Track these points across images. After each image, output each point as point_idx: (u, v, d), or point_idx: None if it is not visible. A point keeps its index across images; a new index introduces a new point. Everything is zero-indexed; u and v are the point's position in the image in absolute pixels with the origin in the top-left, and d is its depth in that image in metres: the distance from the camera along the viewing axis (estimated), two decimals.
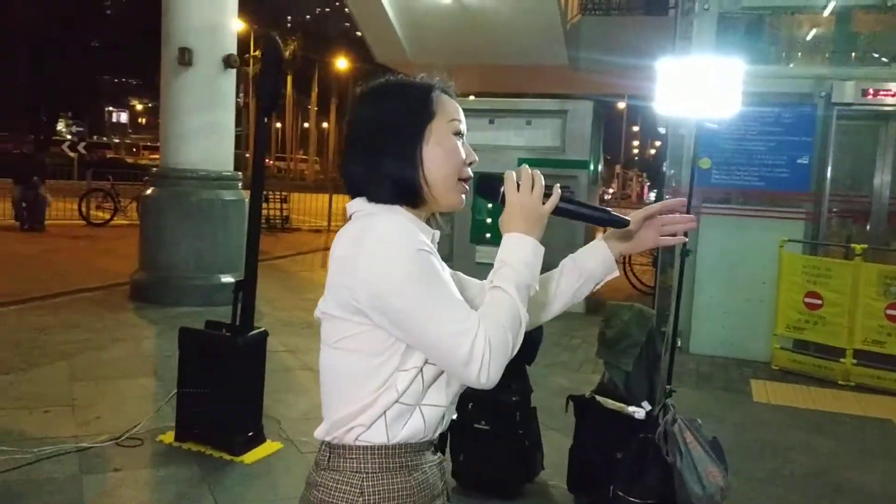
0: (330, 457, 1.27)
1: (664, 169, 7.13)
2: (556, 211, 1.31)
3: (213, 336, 4.01)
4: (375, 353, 1.21)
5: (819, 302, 6.24)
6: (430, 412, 1.25)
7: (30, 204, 13.23)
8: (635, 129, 63.74)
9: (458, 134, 1.33)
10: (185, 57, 7.35)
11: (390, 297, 1.16)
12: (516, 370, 3.79)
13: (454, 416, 1.40)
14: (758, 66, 6.98)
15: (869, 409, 5.55)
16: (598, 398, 3.52)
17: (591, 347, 4.87)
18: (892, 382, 5.97)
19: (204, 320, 4.19)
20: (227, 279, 7.49)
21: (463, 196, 1.33)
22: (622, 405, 3.42)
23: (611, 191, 35.87)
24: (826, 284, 6.21)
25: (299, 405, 4.79)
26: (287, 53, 43.41)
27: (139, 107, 68.57)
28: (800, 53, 7.11)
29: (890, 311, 5.96)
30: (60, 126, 42.57)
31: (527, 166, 1.31)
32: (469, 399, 3.68)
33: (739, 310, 6.77)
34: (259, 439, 4.05)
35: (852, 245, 6.17)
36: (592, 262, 1.46)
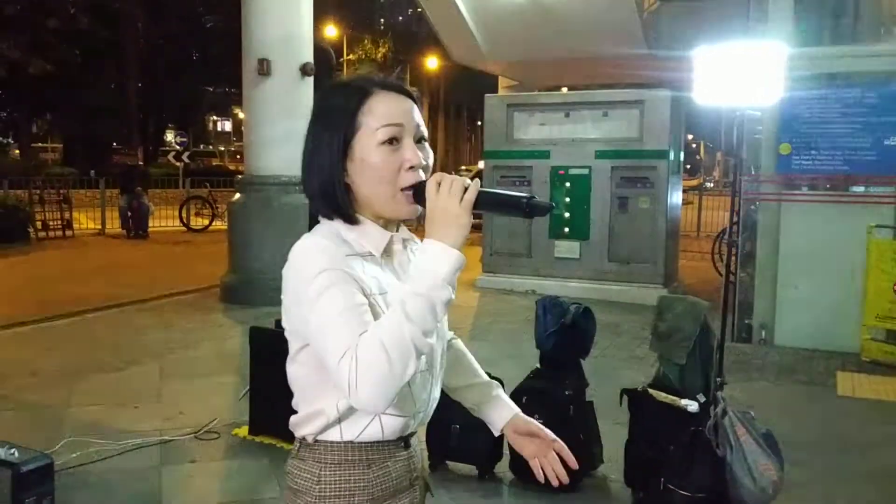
0: (299, 448, 1.36)
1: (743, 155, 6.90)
2: (480, 206, 1.22)
3: (281, 334, 4.19)
4: (316, 368, 1.25)
5: None
6: (390, 421, 1.29)
7: (134, 213, 14.08)
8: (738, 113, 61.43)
9: (392, 140, 1.28)
10: (264, 67, 7.67)
11: (299, 308, 1.24)
12: (570, 364, 3.82)
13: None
14: (839, 45, 6.72)
15: None
16: (651, 391, 3.50)
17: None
18: None
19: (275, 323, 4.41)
20: None
21: (411, 206, 1.30)
22: (675, 398, 3.39)
23: (710, 184, 34.46)
24: None
25: None
26: (379, 55, 44.12)
27: (241, 115, 71.39)
28: (885, 30, 6.75)
29: None
30: (169, 137, 44.80)
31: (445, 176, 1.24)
32: (523, 393, 3.73)
33: (826, 299, 6.50)
34: None
35: None
36: (493, 412, 1.55)
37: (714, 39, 3.47)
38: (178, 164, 24.50)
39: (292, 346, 1.32)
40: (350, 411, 1.28)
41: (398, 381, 1.13)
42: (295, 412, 1.35)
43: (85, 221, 14.81)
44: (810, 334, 6.54)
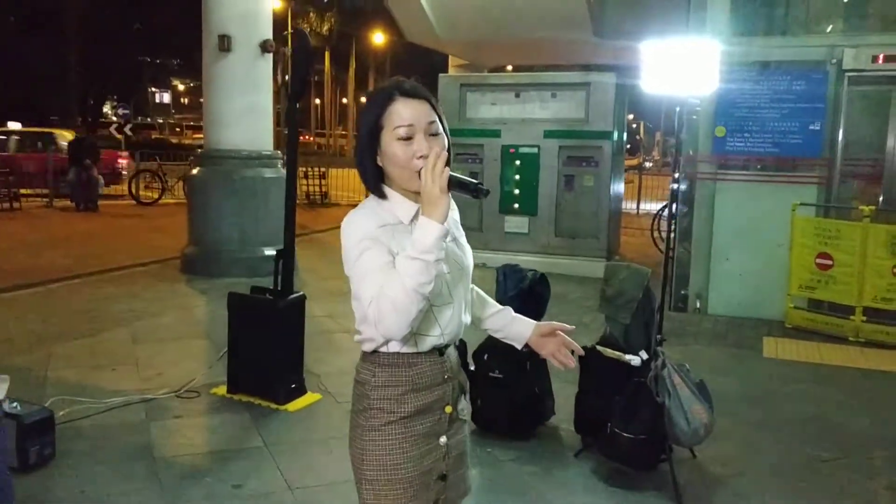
0: (362, 354, 1.82)
1: (682, 136, 7.37)
2: (451, 186, 1.61)
3: (258, 300, 4.51)
4: None
5: (830, 262, 6.52)
6: (424, 340, 1.74)
7: (83, 185, 13.98)
8: None
9: (404, 138, 1.67)
10: (225, 43, 7.82)
11: (347, 263, 1.68)
12: None
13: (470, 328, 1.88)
14: (771, 37, 7.24)
15: (875, 362, 5.83)
16: (599, 348, 3.92)
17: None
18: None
19: (248, 290, 4.70)
20: (270, 252, 8.02)
21: None
22: (620, 354, 3.81)
23: (649, 164, 35.42)
24: (836, 245, 6.48)
25: (337, 363, 5.28)
26: (325, 29, 43.60)
27: (181, 87, 69.86)
28: (813, 23, 7.29)
29: None
30: (106, 109, 43.68)
31: (436, 151, 1.61)
32: (485, 351, 4.12)
33: (755, 272, 7.06)
34: (301, 391, 4.55)
35: (860, 207, 6.41)
36: (515, 328, 2.00)
37: (656, 27, 3.85)
38: (119, 136, 24.07)
39: (352, 286, 1.74)
40: None
41: (406, 319, 1.58)
42: (358, 333, 1.79)
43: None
44: (740, 304, 7.12)
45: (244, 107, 8.02)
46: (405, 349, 1.74)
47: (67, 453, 3.68)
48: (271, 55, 8.25)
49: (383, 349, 1.75)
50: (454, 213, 1.87)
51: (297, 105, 4.31)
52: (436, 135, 1.71)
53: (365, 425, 1.76)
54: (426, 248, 1.56)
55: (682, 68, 3.38)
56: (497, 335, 2.04)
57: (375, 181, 1.74)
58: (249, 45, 7.98)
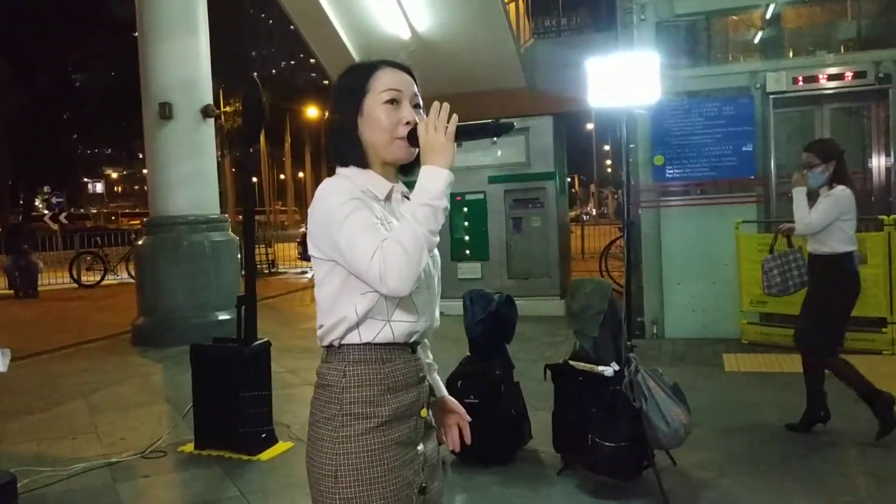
0: (326, 354, 1.64)
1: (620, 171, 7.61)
2: (459, 136, 1.53)
3: (223, 349, 4.43)
4: (339, 284, 1.56)
5: None
6: (399, 326, 1.58)
7: (22, 272, 13.58)
8: (606, 148, 64.85)
9: (392, 102, 1.61)
10: (166, 111, 7.83)
11: (328, 231, 1.53)
12: (496, 348, 4.24)
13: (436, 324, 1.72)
14: (697, 67, 7.60)
15: None
16: (572, 362, 3.95)
17: (571, 344, 5.21)
18: (852, 342, 6.41)
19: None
20: (224, 316, 7.91)
21: (406, 150, 1.62)
22: (592, 366, 3.85)
23: (590, 212, 36.35)
24: None
25: (305, 413, 5.13)
26: None
27: (114, 175, 69.18)
28: (734, 52, 7.69)
29: None
30: (38, 202, 42.90)
31: (437, 104, 1.54)
32: (458, 377, 4.11)
33: (707, 293, 7.24)
34: (272, 440, 4.44)
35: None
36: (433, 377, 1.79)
37: (583, 72, 4.01)
38: (54, 226, 23.54)
39: (320, 271, 1.61)
40: (366, 315, 1.56)
41: (416, 269, 1.45)
42: (321, 327, 1.63)
43: None
44: (695, 325, 7.26)
45: (189, 172, 7.98)
46: (378, 339, 1.58)
47: None
48: (213, 120, 8.27)
49: (353, 339, 1.58)
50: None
51: (251, 150, 4.32)
52: (417, 107, 1.65)
53: (336, 436, 1.57)
54: (436, 193, 1.49)
55: (626, 81, 3.52)
56: None
57: (354, 151, 1.63)
58: (191, 112, 8.00)
